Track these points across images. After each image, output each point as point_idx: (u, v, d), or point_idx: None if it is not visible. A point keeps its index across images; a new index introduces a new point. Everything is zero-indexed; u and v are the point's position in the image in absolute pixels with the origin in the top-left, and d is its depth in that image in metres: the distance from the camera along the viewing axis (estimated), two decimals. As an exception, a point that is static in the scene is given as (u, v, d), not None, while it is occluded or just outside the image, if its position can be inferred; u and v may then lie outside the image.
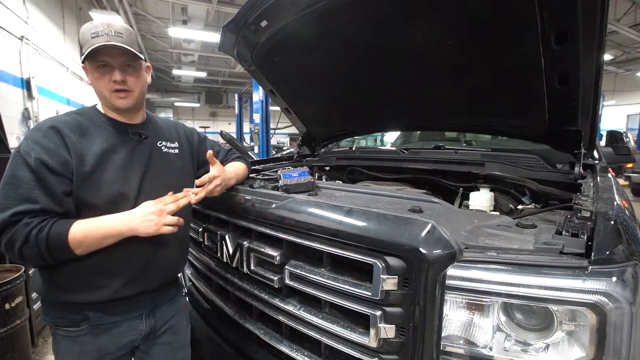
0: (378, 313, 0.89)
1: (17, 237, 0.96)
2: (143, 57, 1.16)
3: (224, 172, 1.34)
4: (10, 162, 1.02)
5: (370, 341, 0.91)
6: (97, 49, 1.04)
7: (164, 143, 1.29)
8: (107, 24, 1.08)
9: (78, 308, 1.12)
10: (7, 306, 2.07)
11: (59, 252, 1.00)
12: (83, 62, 1.12)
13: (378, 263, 0.89)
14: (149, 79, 1.25)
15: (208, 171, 1.45)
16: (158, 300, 1.27)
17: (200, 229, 1.57)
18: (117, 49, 1.07)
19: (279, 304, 1.17)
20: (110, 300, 1.13)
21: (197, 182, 1.26)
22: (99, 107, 1.21)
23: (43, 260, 1.00)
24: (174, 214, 1.14)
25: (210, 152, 1.29)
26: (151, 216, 1.07)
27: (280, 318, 1.18)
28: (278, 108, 2.65)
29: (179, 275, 1.43)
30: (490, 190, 1.55)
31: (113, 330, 1.16)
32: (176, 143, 1.34)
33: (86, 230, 1.02)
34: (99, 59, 1.08)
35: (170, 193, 1.14)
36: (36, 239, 0.96)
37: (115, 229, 1.05)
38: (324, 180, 2.36)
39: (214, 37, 9.18)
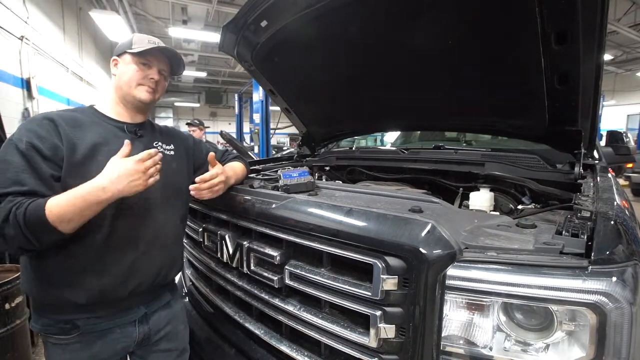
0: (378, 313, 0.89)
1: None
2: (181, 73, 1.36)
3: (225, 172, 1.35)
4: (2, 149, 1.03)
5: (370, 341, 0.91)
6: (157, 49, 1.21)
7: (160, 144, 1.30)
8: (160, 41, 1.27)
9: (67, 313, 1.10)
10: (7, 306, 2.07)
11: (40, 229, 0.94)
12: (119, 55, 1.22)
13: (378, 263, 0.89)
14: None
15: (205, 172, 1.45)
16: (151, 305, 1.26)
17: (200, 229, 1.57)
18: (163, 57, 1.26)
19: (279, 304, 1.17)
20: (101, 302, 1.11)
21: (197, 179, 1.26)
22: (97, 107, 1.23)
23: (26, 240, 0.94)
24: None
25: (212, 154, 1.35)
26: (137, 175, 1.00)
27: (281, 318, 1.18)
28: (278, 108, 2.65)
29: (175, 279, 1.43)
30: (490, 190, 1.55)
31: (106, 337, 1.15)
32: (172, 145, 1.35)
33: (63, 202, 0.95)
34: (147, 58, 1.22)
35: (148, 152, 1.05)
36: (15, 215, 0.92)
37: (96, 198, 0.97)
38: (324, 180, 2.36)
39: (214, 37, 9.17)
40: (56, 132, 1.06)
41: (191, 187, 1.25)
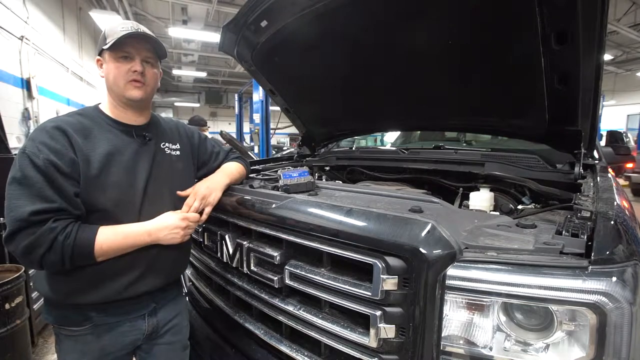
0: (378, 313, 0.89)
1: (41, 242, 0.95)
2: (165, 55, 1.23)
3: (199, 188, 1.32)
4: (17, 163, 0.99)
5: (370, 341, 0.91)
6: (128, 35, 1.09)
7: (167, 144, 1.30)
8: (136, 24, 1.15)
9: (81, 308, 1.12)
10: (7, 306, 2.07)
11: (82, 259, 1.01)
12: (100, 54, 1.15)
13: (378, 263, 0.89)
14: (158, 84, 1.27)
15: (209, 172, 1.45)
16: (160, 300, 1.27)
17: (200, 229, 1.57)
18: (142, 44, 1.15)
19: (279, 304, 1.17)
20: (113, 301, 1.13)
21: (179, 193, 1.26)
22: (102, 108, 1.20)
23: (63, 266, 1.00)
24: None
25: (179, 192, 1.28)
26: (177, 230, 1.15)
27: (280, 318, 1.18)
28: (278, 108, 2.66)
29: (181, 275, 1.44)
30: (490, 190, 1.55)
31: (116, 329, 1.16)
32: (178, 144, 1.34)
33: (113, 241, 1.04)
34: (124, 49, 1.12)
35: (190, 206, 1.23)
36: (62, 245, 0.96)
37: (142, 241, 1.10)
38: (324, 180, 2.36)
39: (214, 37, 9.17)
40: (70, 145, 1.04)
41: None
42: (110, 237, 1.04)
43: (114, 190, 1.09)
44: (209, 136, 4.65)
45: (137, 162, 1.17)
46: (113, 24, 1.14)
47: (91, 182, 1.05)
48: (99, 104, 1.22)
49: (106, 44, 1.11)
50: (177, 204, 1.25)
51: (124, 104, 1.19)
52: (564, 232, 0.88)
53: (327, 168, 2.47)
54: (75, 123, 1.09)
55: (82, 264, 1.03)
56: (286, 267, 1.13)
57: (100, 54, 1.17)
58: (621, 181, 8.30)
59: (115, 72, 1.13)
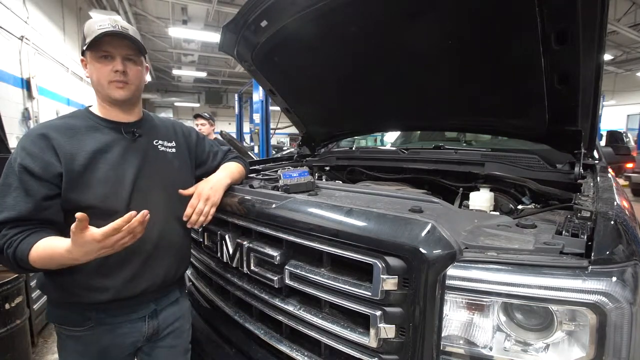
0: (378, 313, 0.89)
1: None
2: (146, 51, 1.20)
3: (202, 188, 1.32)
4: (4, 169, 1.05)
5: (370, 341, 0.91)
6: (104, 34, 1.06)
7: (160, 142, 1.29)
8: (113, 19, 1.11)
9: (81, 308, 1.13)
10: (7, 306, 2.07)
11: (28, 268, 1.01)
12: (83, 54, 1.14)
13: (378, 263, 0.89)
14: (147, 79, 1.25)
15: (207, 171, 1.45)
16: (161, 301, 1.27)
17: (200, 229, 1.57)
18: (121, 41, 1.10)
19: (279, 304, 1.17)
20: (112, 301, 1.13)
21: (184, 217, 1.26)
22: (93, 109, 1.21)
23: (19, 269, 1.02)
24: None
25: (181, 191, 1.28)
26: (103, 249, 0.95)
27: (280, 318, 1.18)
28: (278, 108, 2.66)
29: (184, 276, 1.43)
30: (490, 190, 1.55)
31: (116, 331, 1.16)
32: (173, 142, 1.33)
33: (43, 257, 0.98)
34: (103, 49, 1.10)
35: (115, 224, 0.92)
36: (6, 253, 0.99)
37: (73, 263, 0.97)
38: (324, 180, 2.36)
39: (214, 37, 9.18)
40: (49, 147, 1.05)
41: (188, 224, 1.28)
42: (41, 253, 0.98)
43: (100, 186, 1.09)
44: (213, 136, 4.52)
45: (126, 158, 1.16)
46: (90, 22, 1.11)
47: (75, 179, 1.06)
48: (90, 106, 1.23)
49: (86, 44, 1.09)
50: (171, 199, 1.25)
51: (111, 104, 1.19)
52: (564, 232, 0.88)
53: (327, 168, 2.47)
54: (61, 125, 1.11)
55: (35, 271, 1.04)
56: (286, 267, 1.13)
57: (83, 54, 1.15)
58: (621, 181, 8.30)
59: (97, 73, 1.12)
